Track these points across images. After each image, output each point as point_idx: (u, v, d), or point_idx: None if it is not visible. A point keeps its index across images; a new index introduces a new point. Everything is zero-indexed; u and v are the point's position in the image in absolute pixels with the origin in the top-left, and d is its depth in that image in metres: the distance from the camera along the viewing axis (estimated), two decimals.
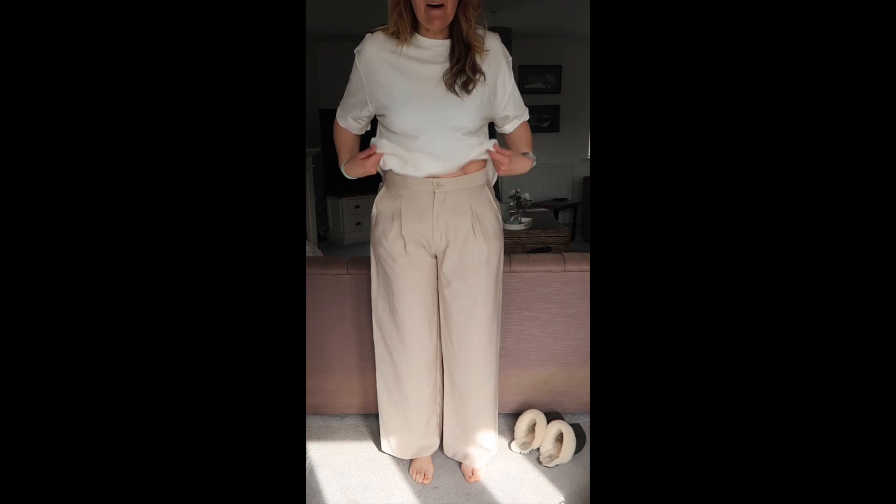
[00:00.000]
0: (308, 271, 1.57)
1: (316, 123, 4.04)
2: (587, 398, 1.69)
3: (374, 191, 1.42)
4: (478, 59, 1.25)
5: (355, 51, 1.29)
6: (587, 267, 1.58)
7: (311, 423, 1.63)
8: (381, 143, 1.31)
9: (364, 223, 4.40)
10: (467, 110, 1.24)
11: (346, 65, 1.35)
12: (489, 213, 1.35)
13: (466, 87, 1.22)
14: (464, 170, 1.29)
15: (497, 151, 1.23)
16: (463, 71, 1.22)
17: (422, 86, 1.24)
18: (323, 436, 1.58)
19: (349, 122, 1.34)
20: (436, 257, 1.36)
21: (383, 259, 1.36)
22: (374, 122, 1.38)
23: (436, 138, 1.25)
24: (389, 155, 1.30)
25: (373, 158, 1.25)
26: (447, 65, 1.24)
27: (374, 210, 1.39)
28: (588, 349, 1.63)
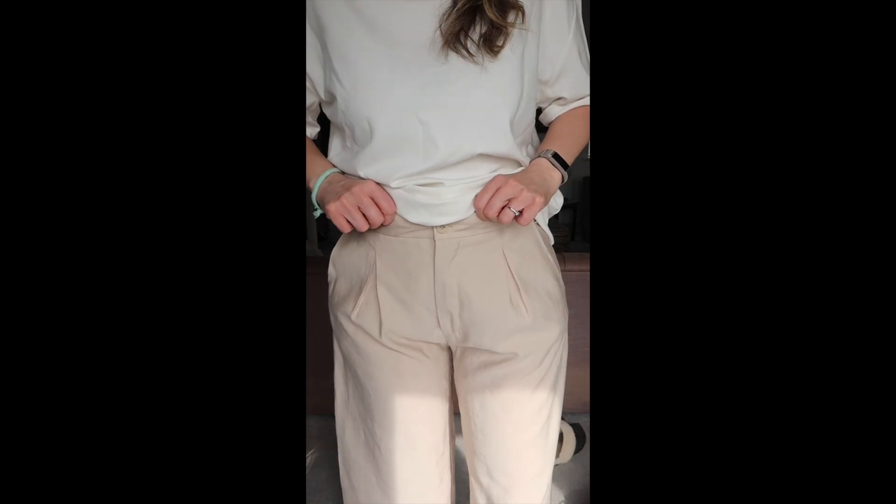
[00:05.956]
0: (308, 271, 1.57)
1: None
2: (587, 398, 1.69)
3: None
4: None
5: None
6: (587, 267, 1.57)
7: (311, 423, 1.62)
8: (341, 164, 0.74)
9: None
10: (498, 88, 0.65)
11: None
12: (542, 269, 0.74)
13: (491, 43, 0.63)
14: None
15: (483, 197, 0.66)
16: (479, 11, 0.63)
17: (404, 45, 0.65)
18: (323, 436, 1.58)
19: None
20: (449, 349, 0.78)
21: (353, 362, 0.77)
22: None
23: (437, 147, 0.66)
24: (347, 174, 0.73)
25: (378, 215, 0.68)
26: (448, 2, 0.65)
27: (330, 269, 0.80)
28: (588, 349, 1.63)
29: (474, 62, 0.64)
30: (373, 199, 0.67)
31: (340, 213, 0.68)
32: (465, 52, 0.63)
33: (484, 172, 0.69)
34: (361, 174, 0.69)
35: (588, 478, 1.46)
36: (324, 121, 0.81)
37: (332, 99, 0.70)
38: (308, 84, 0.73)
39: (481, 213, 0.67)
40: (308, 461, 1.47)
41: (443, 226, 0.68)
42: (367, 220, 0.68)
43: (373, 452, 0.78)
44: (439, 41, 0.64)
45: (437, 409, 0.77)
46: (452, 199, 0.67)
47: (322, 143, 0.82)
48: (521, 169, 0.72)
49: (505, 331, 0.71)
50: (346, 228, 0.69)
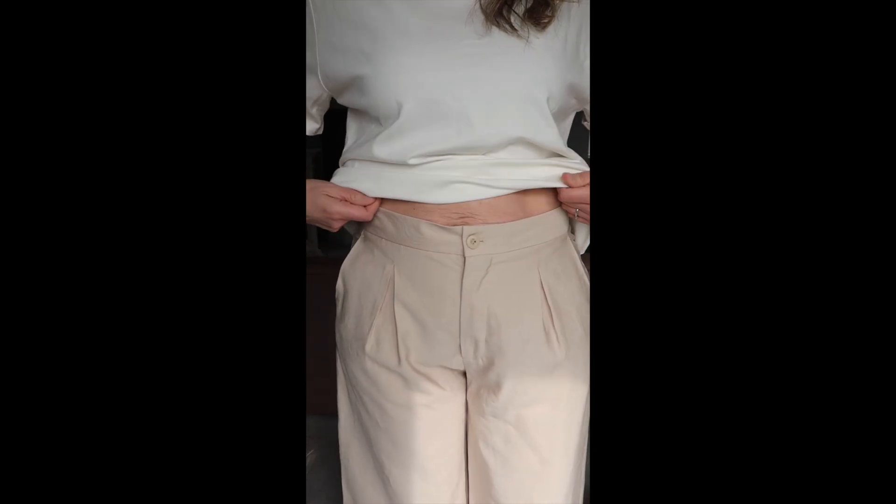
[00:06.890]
0: (308, 271, 1.56)
1: None
2: None
3: None
4: None
5: None
6: (587, 267, 1.57)
7: (311, 423, 1.62)
8: (354, 152, 0.67)
9: None
10: (540, 66, 0.61)
11: None
12: (577, 292, 0.70)
13: (539, 15, 0.59)
14: (524, 205, 0.64)
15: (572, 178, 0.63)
16: None
17: (440, 18, 0.60)
18: (323, 436, 1.58)
19: None
20: (464, 375, 0.71)
21: (361, 388, 0.72)
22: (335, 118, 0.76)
23: (472, 126, 0.61)
24: (366, 177, 0.67)
25: (364, 210, 0.65)
26: None
27: (339, 284, 0.73)
28: None
29: (518, 36, 0.59)
30: (346, 199, 0.64)
31: (342, 222, 0.67)
32: (507, 26, 0.59)
33: (504, 175, 0.61)
34: (376, 152, 0.63)
35: (588, 477, 1.46)
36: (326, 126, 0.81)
37: (351, 81, 0.63)
38: (318, 74, 0.67)
39: (565, 189, 0.63)
40: (308, 461, 1.47)
41: (475, 237, 0.61)
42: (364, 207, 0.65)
43: (382, 482, 0.74)
44: (479, 13, 0.59)
45: (452, 440, 0.72)
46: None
47: (323, 143, 0.80)
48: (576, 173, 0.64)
49: (534, 365, 0.65)
50: (366, 217, 0.66)
